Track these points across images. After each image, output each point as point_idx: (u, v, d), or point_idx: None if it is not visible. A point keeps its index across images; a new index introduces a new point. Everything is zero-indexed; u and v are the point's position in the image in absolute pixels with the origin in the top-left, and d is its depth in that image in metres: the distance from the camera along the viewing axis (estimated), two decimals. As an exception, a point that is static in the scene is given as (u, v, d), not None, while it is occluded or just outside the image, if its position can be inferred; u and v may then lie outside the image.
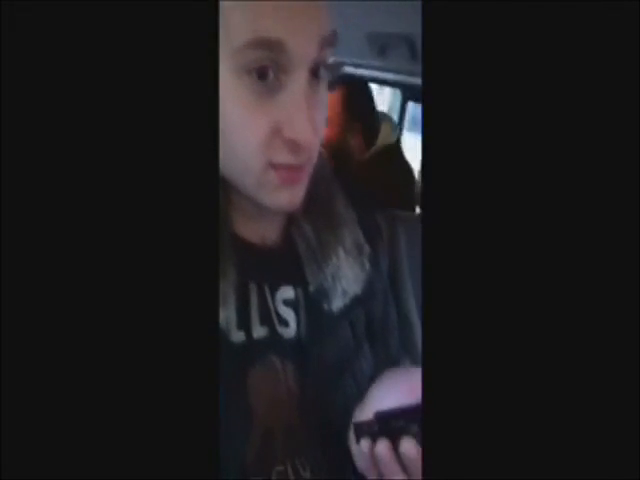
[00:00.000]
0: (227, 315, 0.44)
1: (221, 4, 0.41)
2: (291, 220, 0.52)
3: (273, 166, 0.42)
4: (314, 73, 0.41)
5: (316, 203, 0.52)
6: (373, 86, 1.93)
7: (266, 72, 0.39)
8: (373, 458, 0.42)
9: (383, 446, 0.40)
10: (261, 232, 0.50)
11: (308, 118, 0.40)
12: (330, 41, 0.41)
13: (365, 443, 0.41)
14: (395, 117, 2.00)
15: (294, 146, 0.41)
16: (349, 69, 1.88)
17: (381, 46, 1.25)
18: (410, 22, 1.11)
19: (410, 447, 0.40)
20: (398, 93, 2.21)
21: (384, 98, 3.70)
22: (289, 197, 0.44)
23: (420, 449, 0.39)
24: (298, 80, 0.40)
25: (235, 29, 0.38)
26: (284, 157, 0.41)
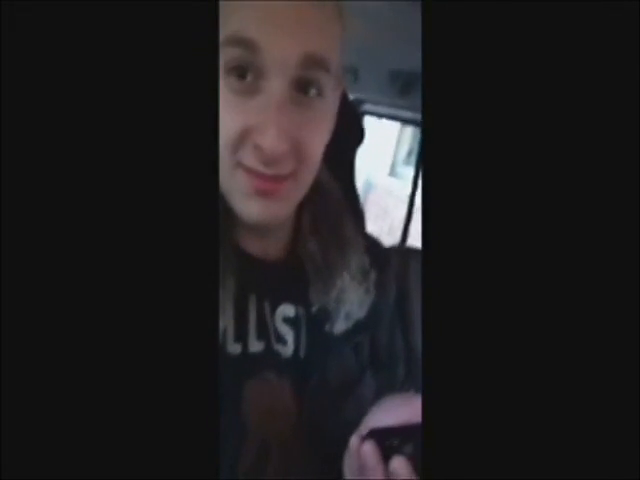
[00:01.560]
0: (225, 326, 0.44)
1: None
2: (298, 238, 0.52)
3: (243, 168, 0.41)
4: (300, 89, 0.41)
5: (324, 224, 0.52)
6: (394, 124, 1.97)
7: (244, 72, 0.40)
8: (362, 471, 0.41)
9: (373, 460, 0.39)
10: (265, 247, 0.50)
11: (276, 128, 0.39)
12: (322, 64, 0.41)
13: (355, 450, 0.41)
14: (415, 155, 2.03)
15: (260, 152, 0.40)
16: (370, 106, 1.93)
17: (403, 84, 1.28)
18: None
19: (400, 466, 0.39)
20: (418, 132, 2.25)
21: (405, 136, 3.76)
22: (262, 209, 0.43)
23: (411, 469, 0.38)
24: (274, 87, 0.40)
25: (220, 25, 0.39)
26: (252, 162, 0.41)
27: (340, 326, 0.50)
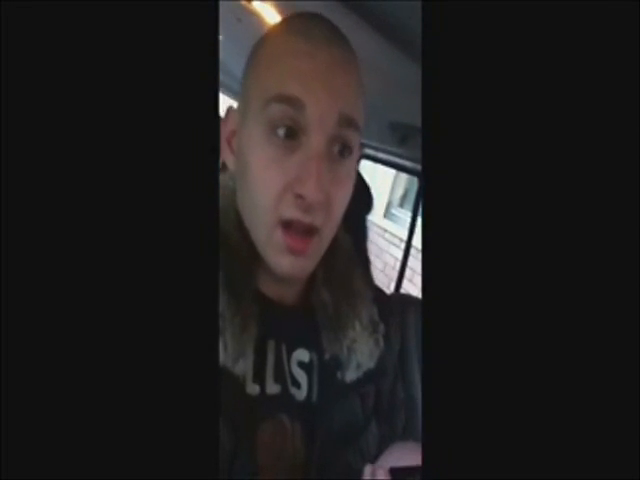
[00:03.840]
0: (245, 367, 0.45)
1: (257, 60, 0.46)
2: (311, 287, 0.54)
3: (282, 225, 0.44)
4: (333, 146, 0.44)
5: (336, 276, 0.54)
6: (391, 171, 2.03)
7: (287, 130, 0.43)
8: None
9: None
10: (282, 292, 0.52)
11: (317, 178, 0.42)
12: (353, 123, 0.44)
13: None
14: (411, 203, 2.07)
15: (301, 202, 0.43)
16: (370, 151, 1.98)
17: (402, 135, 1.33)
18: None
19: None
20: (415, 180, 2.30)
21: (401, 183, 3.84)
22: (293, 264, 0.46)
23: None
24: (314, 143, 0.43)
25: (264, 84, 0.44)
26: (292, 212, 0.44)
27: (351, 375, 0.51)
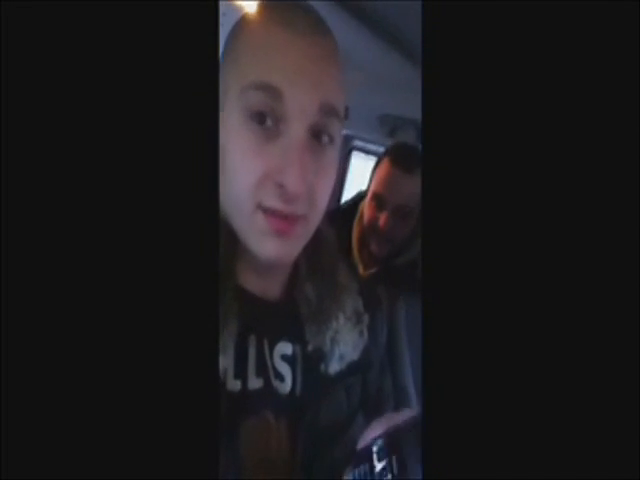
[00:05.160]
0: (225, 364, 0.45)
1: (234, 47, 0.46)
2: (294, 280, 0.54)
3: (263, 209, 0.44)
4: (315, 135, 0.44)
5: (320, 269, 0.54)
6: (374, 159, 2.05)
7: (264, 117, 0.43)
8: None
9: None
10: (264, 286, 0.52)
11: (299, 168, 0.42)
12: (334, 112, 0.44)
13: None
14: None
15: (282, 191, 0.43)
16: (360, 143, 1.98)
17: (391, 127, 1.33)
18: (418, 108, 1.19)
19: None
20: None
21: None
22: (277, 248, 0.45)
23: None
24: (294, 132, 0.43)
25: (243, 71, 0.43)
26: (273, 201, 0.43)
27: (334, 366, 0.51)
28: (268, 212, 0.44)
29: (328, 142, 0.45)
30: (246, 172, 0.43)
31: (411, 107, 1.22)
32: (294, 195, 0.43)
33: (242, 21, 0.48)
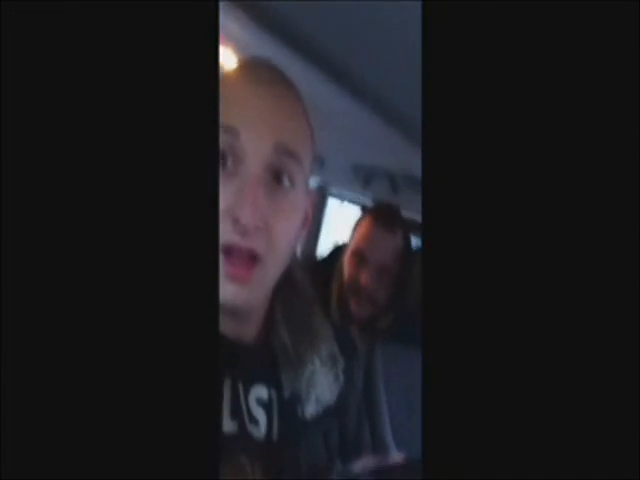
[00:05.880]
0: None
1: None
2: (269, 324, 0.54)
3: (223, 250, 0.45)
4: (274, 176, 0.46)
5: (294, 314, 0.54)
6: (355, 209, 2.08)
7: (225, 158, 0.44)
8: None
9: None
10: (240, 330, 0.52)
11: (251, 201, 0.43)
12: (292, 154, 0.46)
13: None
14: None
15: (236, 225, 0.44)
16: (337, 192, 2.02)
17: (365, 177, 1.36)
18: (392, 158, 1.24)
19: None
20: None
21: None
22: (234, 293, 0.45)
23: None
24: (249, 169, 0.44)
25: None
26: (229, 236, 0.44)
27: (310, 410, 0.51)
28: (227, 252, 0.45)
29: (289, 186, 0.47)
30: None
31: (385, 157, 1.26)
32: (248, 227, 0.44)
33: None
